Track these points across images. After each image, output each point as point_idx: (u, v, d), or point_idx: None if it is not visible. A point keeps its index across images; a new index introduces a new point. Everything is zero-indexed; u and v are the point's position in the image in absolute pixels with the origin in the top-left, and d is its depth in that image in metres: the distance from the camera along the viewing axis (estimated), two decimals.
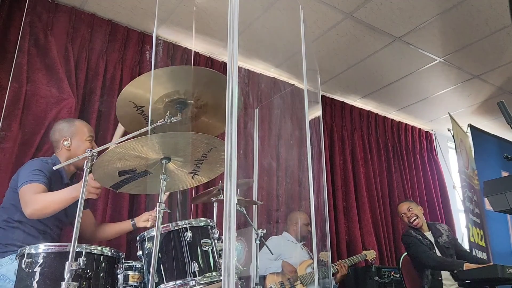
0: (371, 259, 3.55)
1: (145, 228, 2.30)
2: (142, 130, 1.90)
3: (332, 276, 3.38)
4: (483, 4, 3.27)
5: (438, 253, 3.41)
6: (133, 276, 1.79)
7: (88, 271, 1.59)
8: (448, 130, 4.72)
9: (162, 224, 1.71)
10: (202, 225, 1.84)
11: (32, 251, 1.59)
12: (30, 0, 3.00)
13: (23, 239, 1.98)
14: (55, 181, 2.13)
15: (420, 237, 3.46)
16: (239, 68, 3.87)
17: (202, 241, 1.79)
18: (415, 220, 3.52)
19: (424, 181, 5.20)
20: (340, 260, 3.43)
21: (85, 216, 2.30)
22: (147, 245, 1.77)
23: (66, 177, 2.23)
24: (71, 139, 2.26)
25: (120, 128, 2.38)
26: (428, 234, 3.54)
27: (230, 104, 1.26)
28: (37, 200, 1.94)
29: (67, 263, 1.47)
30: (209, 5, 3.23)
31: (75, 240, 1.51)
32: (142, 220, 2.39)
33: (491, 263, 3.18)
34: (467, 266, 3.12)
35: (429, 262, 3.34)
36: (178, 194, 3.12)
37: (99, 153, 1.70)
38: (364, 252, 3.60)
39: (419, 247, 3.40)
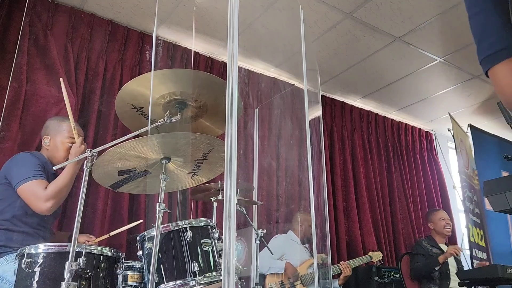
0: (377, 261, 3.53)
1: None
2: (142, 130, 1.89)
3: (336, 277, 3.37)
4: None
5: (451, 264, 3.53)
6: (132, 276, 1.79)
7: (88, 271, 1.59)
8: (448, 130, 4.72)
9: (162, 224, 1.71)
10: (202, 225, 1.84)
11: (32, 251, 1.59)
12: (29, 0, 3.00)
13: (16, 238, 1.96)
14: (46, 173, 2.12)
15: (429, 247, 3.60)
16: (239, 68, 3.88)
17: (202, 241, 1.79)
18: (449, 228, 3.75)
19: (424, 181, 5.19)
20: (342, 261, 3.41)
21: None
22: (147, 245, 1.77)
23: (51, 168, 2.19)
24: (52, 138, 2.21)
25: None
26: (443, 246, 3.67)
27: (230, 104, 1.26)
28: (50, 193, 1.95)
29: (67, 263, 1.47)
30: (209, 5, 3.23)
31: (75, 240, 1.51)
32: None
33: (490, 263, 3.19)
34: (441, 258, 3.33)
35: (411, 272, 3.52)
36: (178, 194, 3.12)
37: (99, 153, 1.70)
38: (370, 253, 3.57)
39: (416, 257, 3.57)
